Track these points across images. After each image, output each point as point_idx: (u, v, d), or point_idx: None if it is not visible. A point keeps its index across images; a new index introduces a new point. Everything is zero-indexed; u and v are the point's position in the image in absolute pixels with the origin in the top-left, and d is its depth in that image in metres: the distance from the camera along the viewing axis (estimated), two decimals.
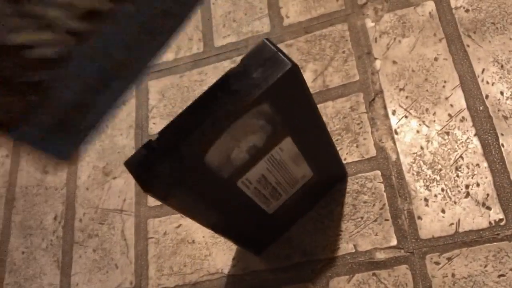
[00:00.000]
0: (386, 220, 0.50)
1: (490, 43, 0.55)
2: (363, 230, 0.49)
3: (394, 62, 0.57)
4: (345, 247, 0.49)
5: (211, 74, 0.64)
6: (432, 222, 0.49)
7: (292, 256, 0.50)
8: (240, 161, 0.39)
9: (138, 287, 0.54)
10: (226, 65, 0.64)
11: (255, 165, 0.41)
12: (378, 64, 0.57)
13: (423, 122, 0.53)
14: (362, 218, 0.50)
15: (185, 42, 0.67)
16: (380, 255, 0.48)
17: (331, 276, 0.48)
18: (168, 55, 0.66)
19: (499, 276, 0.46)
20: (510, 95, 0.53)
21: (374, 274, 0.47)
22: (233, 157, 0.39)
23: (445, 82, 0.55)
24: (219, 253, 0.52)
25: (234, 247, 0.52)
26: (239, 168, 0.40)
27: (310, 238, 0.50)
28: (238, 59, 0.63)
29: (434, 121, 0.53)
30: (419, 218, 0.49)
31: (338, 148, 0.49)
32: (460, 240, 0.48)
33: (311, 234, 0.50)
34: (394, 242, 0.49)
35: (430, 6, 0.59)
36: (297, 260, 0.50)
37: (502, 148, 0.51)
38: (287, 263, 0.50)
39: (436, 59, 0.56)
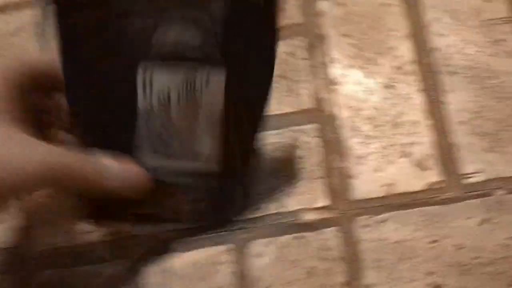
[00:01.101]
0: (317, 178, 0.46)
1: None
2: (291, 188, 0.46)
3: (341, 5, 0.52)
4: (270, 206, 0.46)
5: None
6: (365, 183, 0.46)
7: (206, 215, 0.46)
8: (160, 48, 0.34)
9: None
10: None
11: (170, 70, 0.36)
12: (323, 5, 0.52)
13: (366, 73, 0.49)
14: (291, 176, 0.47)
15: None
16: (307, 216, 0.45)
17: (248, 239, 0.44)
18: None
19: (431, 242, 0.44)
20: (461, 49, 0.49)
21: (298, 237, 0.44)
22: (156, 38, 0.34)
23: (393, 30, 0.51)
24: None
25: None
26: (154, 55, 0.35)
27: None
28: None
29: (378, 72, 0.49)
30: (353, 177, 0.46)
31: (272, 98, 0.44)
32: (394, 203, 0.45)
33: None
34: (324, 202, 0.46)
35: None
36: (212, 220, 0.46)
37: (446, 106, 0.48)
38: (202, 223, 0.46)
39: (387, 4, 0.52)
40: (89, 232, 0.46)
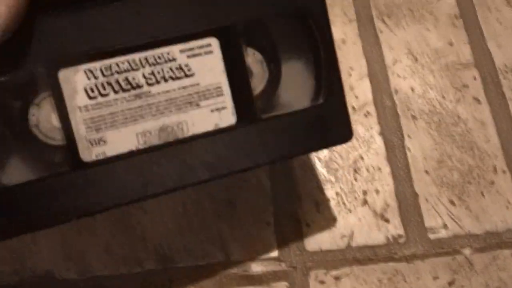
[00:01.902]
0: (268, 224, 0.40)
1: (405, 31, 0.48)
2: (239, 234, 0.39)
3: None
4: (215, 254, 0.39)
5: None
6: (321, 232, 0.40)
7: (147, 260, 0.39)
8: None
9: None
10: None
11: None
12: None
13: None
14: (239, 219, 0.40)
15: None
16: (257, 268, 0.38)
17: None
18: None
19: None
20: (422, 93, 0.45)
21: None
22: None
23: (351, 69, 0.46)
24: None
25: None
26: None
27: (171, 238, 0.39)
28: None
29: None
30: (307, 225, 0.40)
31: None
32: (352, 257, 0.40)
33: (172, 233, 0.40)
34: (274, 252, 0.39)
35: None
36: (151, 266, 0.38)
37: (408, 152, 0.43)
38: (139, 269, 0.38)
39: (344, 41, 0.48)
40: None
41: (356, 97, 0.45)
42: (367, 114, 0.45)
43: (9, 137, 0.29)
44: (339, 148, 0.43)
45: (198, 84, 0.30)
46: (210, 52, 0.30)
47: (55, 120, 0.29)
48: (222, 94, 0.30)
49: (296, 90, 0.33)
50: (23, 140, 0.29)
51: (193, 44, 0.29)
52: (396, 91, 0.46)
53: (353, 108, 0.45)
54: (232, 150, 0.30)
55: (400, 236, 0.40)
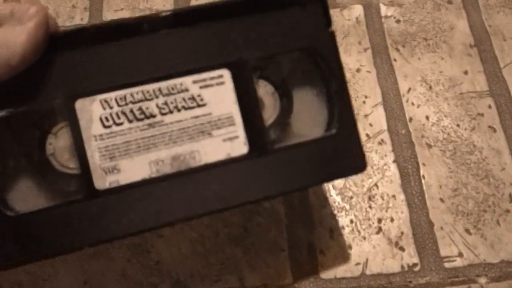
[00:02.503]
0: (282, 250, 0.40)
1: (419, 60, 0.48)
2: (253, 259, 0.40)
3: None
4: (229, 279, 0.39)
5: None
6: (336, 259, 0.40)
7: (161, 284, 0.39)
8: None
9: None
10: None
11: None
12: None
13: None
14: (253, 244, 0.40)
15: (67, 8, 0.55)
16: None
17: None
18: None
19: None
20: (436, 121, 0.46)
21: None
22: None
23: (366, 97, 0.47)
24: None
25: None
26: None
27: (185, 264, 0.40)
28: None
29: None
30: (322, 252, 0.40)
31: None
32: (367, 285, 0.39)
33: (187, 258, 0.40)
34: (288, 279, 0.39)
35: (358, 11, 0.51)
36: None
37: (423, 180, 0.43)
38: None
39: (358, 70, 0.48)
40: None
41: (371, 125, 0.46)
42: (381, 142, 0.45)
43: (26, 165, 0.30)
44: (353, 176, 0.43)
45: (210, 114, 0.30)
46: (222, 83, 0.30)
47: (70, 150, 0.30)
48: (233, 124, 0.30)
49: (308, 120, 0.33)
50: (40, 168, 0.30)
51: (205, 76, 0.30)
52: (411, 119, 0.46)
53: (368, 136, 0.45)
54: (243, 180, 0.30)
55: (415, 264, 0.40)
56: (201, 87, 0.30)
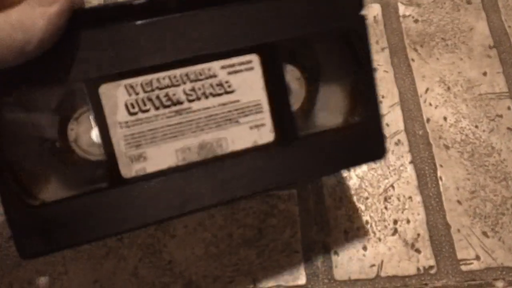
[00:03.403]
0: (296, 252, 0.40)
1: (438, 61, 0.48)
2: (266, 261, 0.39)
3: None
4: (242, 280, 0.39)
5: None
6: (350, 260, 0.40)
7: (173, 284, 0.39)
8: None
9: None
10: None
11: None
12: None
13: None
14: (267, 246, 0.40)
15: None
16: None
17: None
18: None
19: None
20: (455, 122, 0.45)
21: None
22: None
23: (383, 97, 0.46)
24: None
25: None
26: None
27: (198, 265, 0.39)
28: None
29: None
30: (336, 253, 0.40)
31: None
32: (382, 287, 0.39)
33: (200, 259, 0.40)
34: (302, 280, 0.39)
35: (376, 10, 0.50)
36: None
37: (440, 182, 0.43)
38: None
39: (375, 70, 0.47)
40: None
41: (388, 125, 0.45)
42: (398, 143, 0.44)
43: (48, 152, 0.29)
44: (369, 176, 0.43)
45: (238, 101, 0.30)
46: (251, 68, 0.30)
47: (94, 136, 0.29)
48: (261, 111, 0.30)
49: (332, 108, 0.33)
50: (62, 155, 0.30)
51: (234, 61, 0.29)
52: (428, 120, 0.45)
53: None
54: (269, 167, 0.30)
55: (431, 267, 0.40)
56: (229, 73, 0.29)
